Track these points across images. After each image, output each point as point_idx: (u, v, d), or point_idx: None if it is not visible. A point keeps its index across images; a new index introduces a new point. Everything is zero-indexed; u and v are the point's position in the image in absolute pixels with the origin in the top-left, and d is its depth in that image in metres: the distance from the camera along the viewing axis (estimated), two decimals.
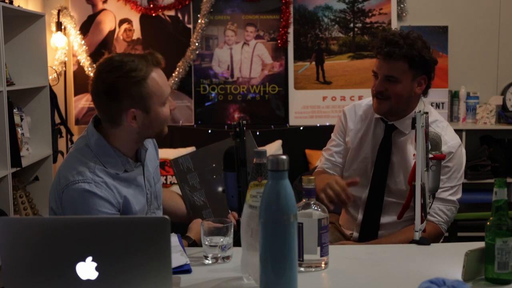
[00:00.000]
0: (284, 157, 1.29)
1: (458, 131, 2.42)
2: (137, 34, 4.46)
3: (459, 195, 2.18)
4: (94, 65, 4.28)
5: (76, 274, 1.21)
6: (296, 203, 1.30)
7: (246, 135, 1.70)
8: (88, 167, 1.75)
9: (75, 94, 4.43)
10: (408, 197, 1.94)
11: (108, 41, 4.45)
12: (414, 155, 1.93)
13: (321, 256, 1.57)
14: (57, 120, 4.07)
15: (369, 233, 2.25)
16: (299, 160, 4.33)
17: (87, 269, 1.21)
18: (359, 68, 4.46)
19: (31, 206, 3.61)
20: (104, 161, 1.79)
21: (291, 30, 4.45)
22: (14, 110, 3.39)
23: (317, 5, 4.47)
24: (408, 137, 2.21)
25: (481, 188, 4.23)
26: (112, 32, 4.46)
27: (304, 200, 1.58)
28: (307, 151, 4.35)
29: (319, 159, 2.45)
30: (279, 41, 4.44)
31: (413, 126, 1.84)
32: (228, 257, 1.64)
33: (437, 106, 4.40)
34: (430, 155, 1.87)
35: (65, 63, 4.39)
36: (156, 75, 1.78)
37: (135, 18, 4.45)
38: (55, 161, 3.92)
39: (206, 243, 1.64)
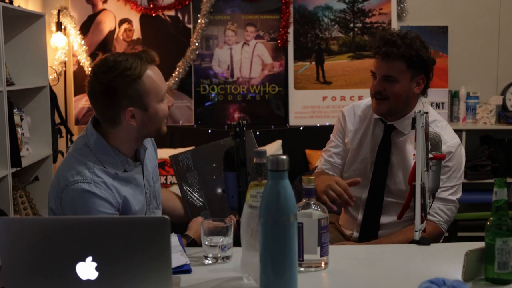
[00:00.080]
0: (284, 157, 1.29)
1: (458, 131, 2.43)
2: (137, 34, 4.45)
3: (459, 195, 2.18)
4: None
5: (76, 274, 1.21)
6: (296, 203, 1.30)
7: (246, 135, 1.70)
8: (87, 167, 1.75)
9: (75, 94, 4.43)
10: (408, 197, 1.94)
11: (108, 41, 4.45)
12: (414, 155, 1.93)
13: (321, 256, 1.57)
14: (57, 120, 4.07)
15: (369, 233, 2.25)
16: (299, 160, 4.33)
17: (87, 269, 1.21)
18: (359, 68, 4.46)
19: (31, 206, 3.61)
20: (104, 161, 1.79)
21: (291, 30, 4.45)
22: (14, 110, 3.39)
23: (317, 5, 4.47)
24: (407, 137, 2.21)
25: (481, 188, 4.23)
26: (112, 32, 4.46)
27: (304, 200, 1.58)
28: (307, 151, 4.35)
29: (319, 160, 2.45)
30: (279, 41, 4.44)
31: (413, 126, 1.84)
32: (228, 257, 1.64)
33: (437, 106, 4.40)
34: (430, 155, 1.87)
35: (65, 63, 4.39)
36: (152, 73, 1.78)
37: (135, 18, 4.45)
38: (55, 161, 3.92)
39: (206, 243, 1.64)
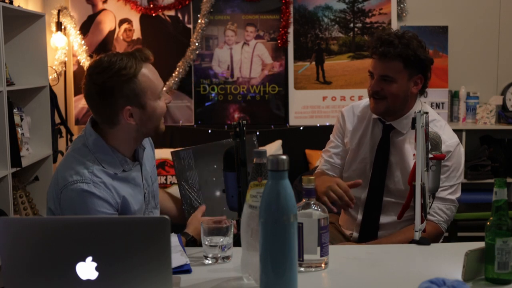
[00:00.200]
0: (284, 157, 1.29)
1: (458, 131, 2.44)
2: (137, 34, 4.46)
3: (458, 194, 2.18)
4: None
5: (76, 274, 1.21)
6: (296, 203, 1.30)
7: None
8: (86, 167, 1.75)
9: (75, 94, 4.43)
10: (408, 197, 1.94)
11: (108, 41, 4.45)
12: (414, 155, 1.93)
13: (321, 256, 1.57)
14: (57, 120, 4.07)
15: (368, 233, 2.25)
16: (299, 160, 4.33)
17: (87, 269, 1.21)
18: (359, 68, 4.45)
19: (31, 206, 3.61)
20: (102, 161, 1.79)
21: (291, 30, 4.45)
22: (14, 110, 3.39)
23: (317, 5, 4.47)
24: (406, 137, 2.21)
25: (481, 188, 4.23)
26: (112, 32, 4.46)
27: (304, 200, 1.58)
28: (307, 151, 4.35)
29: (319, 160, 2.45)
30: (279, 41, 4.44)
31: (413, 126, 1.84)
32: (228, 257, 1.64)
33: (437, 106, 4.40)
34: (430, 155, 1.87)
35: (65, 63, 4.39)
36: (147, 71, 1.78)
37: (135, 18, 4.45)
38: (55, 161, 3.92)
39: (206, 243, 1.64)
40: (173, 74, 4.40)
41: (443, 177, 2.07)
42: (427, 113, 1.86)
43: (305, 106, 4.50)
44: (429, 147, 1.87)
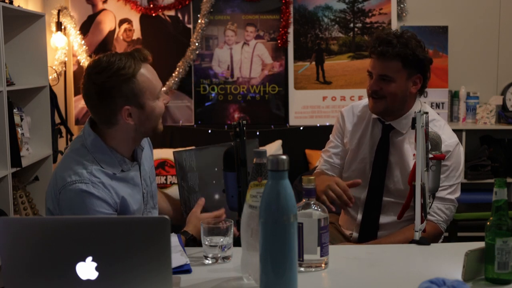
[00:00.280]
0: (284, 157, 1.29)
1: (458, 131, 2.43)
2: (137, 34, 4.46)
3: (457, 194, 2.18)
4: None
5: (76, 274, 1.21)
6: (296, 203, 1.30)
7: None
8: (85, 168, 1.75)
9: (75, 94, 4.43)
10: (408, 197, 1.94)
11: (108, 41, 4.45)
12: (414, 155, 1.93)
13: (321, 256, 1.57)
14: (57, 120, 4.07)
15: (368, 233, 2.25)
16: (299, 160, 4.32)
17: (87, 269, 1.21)
18: (359, 68, 4.45)
19: (31, 206, 3.61)
20: (101, 161, 1.79)
21: (291, 30, 4.45)
22: (14, 110, 3.39)
23: (317, 5, 4.47)
24: (406, 137, 2.21)
25: (481, 188, 4.23)
26: (112, 32, 4.46)
27: (304, 200, 1.58)
28: (307, 151, 4.35)
29: (318, 160, 2.45)
30: (279, 41, 4.44)
31: (413, 126, 1.84)
32: (228, 257, 1.64)
33: (437, 106, 4.40)
34: (430, 155, 1.87)
35: (65, 63, 4.39)
36: (145, 71, 1.78)
37: (135, 18, 4.45)
38: (55, 161, 3.92)
39: (206, 243, 1.64)
40: (173, 74, 4.40)
41: (442, 176, 2.07)
42: (427, 113, 1.86)
43: (305, 106, 4.50)
44: (429, 147, 1.87)
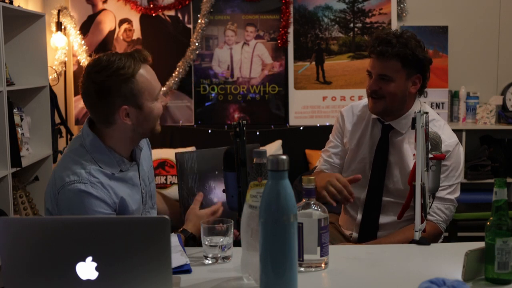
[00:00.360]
0: (284, 157, 1.29)
1: (458, 131, 2.43)
2: (137, 34, 4.46)
3: (457, 194, 2.18)
4: None
5: (76, 274, 1.21)
6: (296, 203, 1.30)
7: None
8: (83, 168, 1.75)
9: (75, 94, 4.44)
10: (408, 197, 1.94)
11: (108, 41, 4.45)
12: (414, 155, 1.93)
13: (321, 256, 1.57)
14: (57, 120, 4.07)
15: (368, 233, 2.25)
16: (299, 160, 4.33)
17: (87, 269, 1.21)
18: (359, 68, 4.45)
19: (31, 206, 3.61)
20: (100, 161, 1.79)
21: (291, 30, 4.45)
22: (14, 110, 3.40)
23: (317, 5, 4.47)
24: (405, 137, 2.21)
25: (481, 188, 4.24)
26: (112, 32, 4.46)
27: (304, 200, 1.58)
28: (307, 151, 4.35)
29: (318, 160, 2.45)
30: (279, 41, 4.44)
31: (413, 126, 1.84)
32: (228, 257, 1.64)
33: (437, 106, 4.40)
34: (430, 155, 1.87)
35: (65, 63, 4.40)
36: (144, 71, 1.79)
37: (135, 18, 4.45)
38: (55, 161, 3.92)
39: (206, 243, 1.64)
40: (173, 74, 4.40)
41: (442, 176, 2.07)
42: (427, 113, 1.86)
43: (305, 106, 4.50)
44: (429, 147, 1.87)
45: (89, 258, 1.21)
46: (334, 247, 1.70)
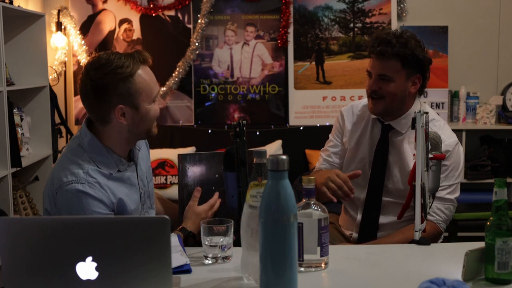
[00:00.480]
0: (284, 157, 1.29)
1: (458, 131, 2.43)
2: (137, 34, 4.46)
3: (457, 194, 2.18)
4: None
5: (76, 274, 1.21)
6: (296, 203, 1.30)
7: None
8: (81, 168, 1.75)
9: (75, 94, 4.43)
10: (408, 197, 1.94)
11: (108, 41, 4.45)
12: (414, 155, 1.93)
13: (321, 256, 1.57)
14: (57, 120, 4.07)
15: (368, 233, 2.25)
16: (299, 160, 4.33)
17: (87, 269, 1.21)
18: (359, 68, 4.45)
19: (31, 206, 3.61)
20: (97, 161, 1.79)
21: (291, 30, 4.45)
22: (14, 110, 3.39)
23: (317, 5, 4.47)
24: (405, 137, 2.21)
25: (481, 188, 4.24)
26: (112, 32, 4.46)
27: (304, 200, 1.58)
28: (307, 151, 4.35)
29: (318, 159, 2.45)
30: (279, 41, 4.44)
31: (413, 126, 1.84)
32: (228, 257, 1.64)
33: (437, 106, 4.40)
34: (430, 155, 1.87)
35: (65, 63, 4.40)
36: (143, 72, 1.79)
37: (135, 18, 4.45)
38: (55, 161, 3.92)
39: (206, 243, 1.64)
40: (173, 74, 4.40)
41: (442, 176, 2.07)
42: (427, 113, 1.86)
43: (305, 106, 4.50)
44: (429, 147, 1.87)
45: (89, 258, 1.21)
46: (334, 247, 1.70)
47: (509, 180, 4.18)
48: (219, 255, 1.63)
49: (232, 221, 1.66)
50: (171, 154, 4.19)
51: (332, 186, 1.99)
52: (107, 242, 1.22)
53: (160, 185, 4.12)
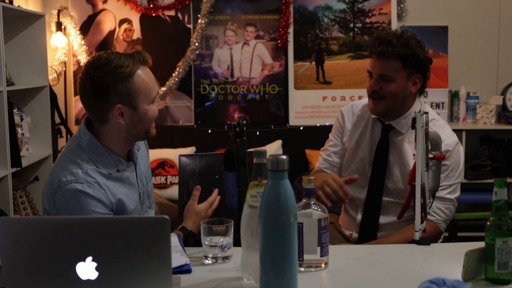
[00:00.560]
0: (284, 157, 1.29)
1: (458, 131, 2.43)
2: (137, 34, 4.46)
3: (457, 194, 2.18)
4: None
5: (76, 274, 1.21)
6: (296, 203, 1.30)
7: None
8: (80, 168, 1.75)
9: (75, 94, 4.43)
10: (408, 197, 1.94)
11: (108, 41, 4.45)
12: (414, 155, 1.93)
13: (321, 256, 1.57)
14: (57, 120, 4.07)
15: (368, 233, 2.25)
16: (299, 160, 4.33)
17: (87, 269, 1.21)
18: (359, 68, 4.46)
19: (31, 206, 3.61)
20: (96, 161, 1.79)
21: (291, 30, 4.45)
22: (14, 110, 3.40)
23: (317, 5, 4.47)
24: (405, 136, 2.21)
25: (481, 188, 4.23)
26: (112, 32, 4.46)
27: (304, 200, 1.58)
28: (307, 151, 4.35)
29: (318, 159, 2.45)
30: (279, 41, 4.44)
31: (413, 126, 1.84)
32: (228, 257, 1.64)
33: (437, 106, 4.40)
34: (430, 155, 1.87)
35: (65, 63, 4.40)
36: (143, 73, 1.79)
37: (135, 18, 4.45)
38: (55, 161, 3.91)
39: (206, 243, 1.64)
40: (173, 74, 4.40)
41: (442, 176, 2.07)
42: (427, 113, 1.86)
43: (305, 106, 4.50)
44: (429, 147, 1.87)
45: (89, 258, 1.21)
46: (334, 247, 1.70)
47: (509, 180, 4.18)
48: (219, 255, 1.63)
49: (232, 221, 1.67)
50: (171, 154, 4.19)
51: (327, 191, 1.99)
52: (107, 242, 1.22)
53: (160, 185, 4.12)
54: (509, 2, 4.47)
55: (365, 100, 2.32)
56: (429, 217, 2.09)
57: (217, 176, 1.99)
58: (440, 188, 2.05)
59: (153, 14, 4.44)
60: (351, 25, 4.49)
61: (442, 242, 2.21)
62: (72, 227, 1.23)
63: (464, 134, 4.22)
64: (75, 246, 1.21)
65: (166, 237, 1.22)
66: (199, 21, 4.41)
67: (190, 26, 4.46)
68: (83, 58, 4.36)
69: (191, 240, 1.87)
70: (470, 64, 4.51)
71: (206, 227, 1.64)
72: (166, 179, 4.18)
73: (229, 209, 1.80)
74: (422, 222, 1.83)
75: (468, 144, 4.36)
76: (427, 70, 2.20)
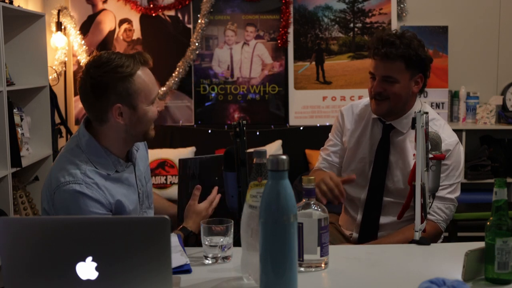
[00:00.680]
0: (284, 157, 1.29)
1: (458, 131, 2.43)
2: (137, 34, 4.46)
3: (457, 193, 2.18)
4: None
5: (76, 274, 1.21)
6: (296, 203, 1.30)
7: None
8: (78, 168, 1.75)
9: (75, 94, 4.43)
10: (408, 197, 1.94)
11: (108, 41, 4.45)
12: (414, 155, 1.93)
13: (321, 256, 1.57)
14: (57, 120, 4.07)
15: (368, 233, 2.25)
16: (299, 160, 4.33)
17: (87, 269, 1.21)
18: (359, 68, 4.46)
19: (31, 206, 3.61)
20: (95, 162, 1.79)
21: (291, 30, 4.45)
22: (14, 110, 3.40)
23: (317, 5, 4.47)
24: (406, 136, 2.21)
25: (481, 188, 4.23)
26: (112, 32, 4.46)
27: (304, 200, 1.58)
28: (307, 151, 4.35)
29: (317, 159, 2.45)
30: (279, 41, 4.44)
31: (413, 126, 1.84)
32: (228, 257, 1.64)
33: (437, 106, 4.40)
34: (430, 155, 1.87)
35: (65, 63, 4.40)
36: (143, 73, 1.79)
37: (135, 18, 4.45)
38: None
39: (206, 243, 1.64)
40: (173, 74, 4.40)
41: (442, 176, 2.07)
42: (427, 113, 1.86)
43: (305, 106, 4.50)
44: (429, 147, 1.87)
45: (89, 258, 1.21)
46: (334, 247, 1.70)
47: (509, 180, 4.18)
48: (219, 255, 1.63)
49: (232, 221, 1.66)
50: (171, 154, 4.19)
51: (323, 188, 1.99)
52: (107, 242, 1.22)
53: (160, 185, 4.12)
54: (509, 2, 4.47)
55: (365, 100, 2.32)
56: (429, 216, 2.09)
57: (216, 178, 1.99)
58: (440, 188, 2.05)
59: (153, 14, 4.44)
60: (351, 25, 4.49)
61: (442, 242, 2.21)
62: (72, 227, 1.23)
63: (464, 134, 4.22)
64: (75, 246, 1.21)
65: (166, 237, 1.22)
66: (199, 21, 4.41)
67: (190, 26, 4.46)
68: (83, 58, 4.36)
69: (192, 240, 1.87)
70: (470, 64, 4.51)
71: (206, 227, 1.64)
72: (166, 179, 4.18)
73: (229, 209, 1.80)
74: (422, 222, 1.83)
75: (468, 144, 4.36)
76: (428, 69, 2.20)
